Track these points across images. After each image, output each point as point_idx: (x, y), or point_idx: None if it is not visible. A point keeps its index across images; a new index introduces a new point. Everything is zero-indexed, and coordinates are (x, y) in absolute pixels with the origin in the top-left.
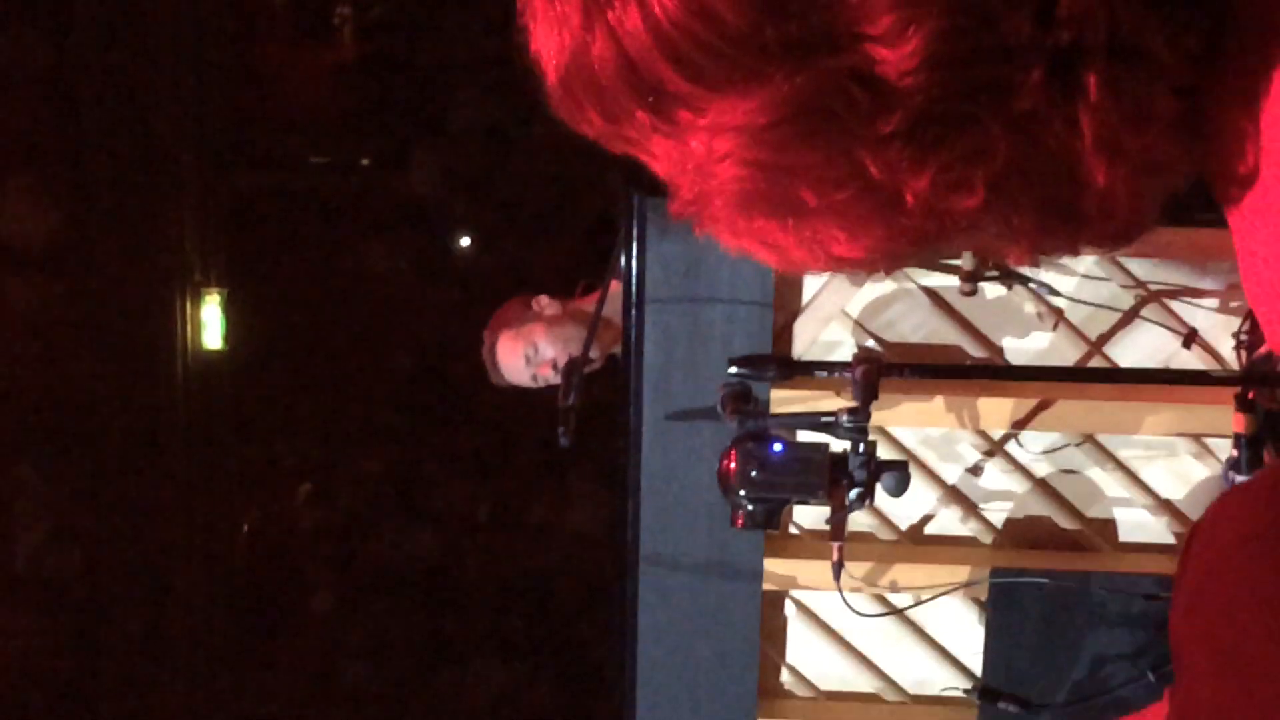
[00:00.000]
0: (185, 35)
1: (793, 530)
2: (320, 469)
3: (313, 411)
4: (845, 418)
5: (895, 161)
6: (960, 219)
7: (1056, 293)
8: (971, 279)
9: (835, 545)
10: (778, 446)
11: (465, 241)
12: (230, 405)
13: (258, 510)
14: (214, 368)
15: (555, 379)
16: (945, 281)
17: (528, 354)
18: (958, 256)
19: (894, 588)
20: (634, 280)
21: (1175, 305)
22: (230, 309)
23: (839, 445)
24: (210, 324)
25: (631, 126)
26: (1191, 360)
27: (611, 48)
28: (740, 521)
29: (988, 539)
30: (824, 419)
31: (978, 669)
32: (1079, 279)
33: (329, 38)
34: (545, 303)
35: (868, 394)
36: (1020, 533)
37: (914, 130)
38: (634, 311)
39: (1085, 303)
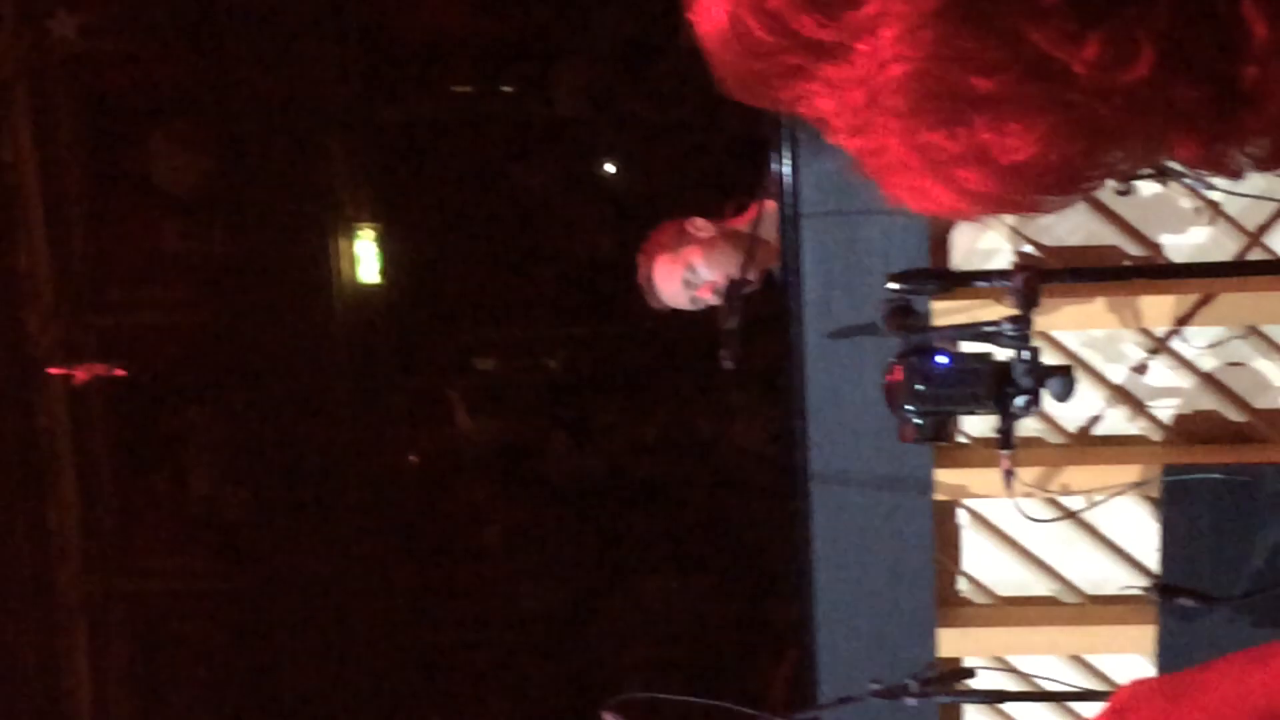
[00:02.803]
0: None
1: (961, 440)
2: (482, 397)
3: (471, 341)
4: (1007, 326)
5: (1061, 31)
6: (1129, 94)
7: (1212, 186)
8: (1127, 177)
9: (1004, 453)
10: (942, 359)
11: (610, 168)
12: (389, 338)
13: (424, 441)
14: (371, 301)
15: (714, 301)
16: None
17: (686, 277)
18: (1129, 173)
19: (1066, 491)
20: (790, 200)
21: None
22: (384, 243)
23: (1003, 354)
24: (365, 258)
25: (797, 49)
26: None
27: None
28: (909, 435)
29: (1157, 437)
30: (986, 329)
31: (1154, 567)
32: None
33: None
34: (700, 224)
35: (1029, 301)
36: (1189, 428)
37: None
38: (791, 231)
39: (1241, 194)
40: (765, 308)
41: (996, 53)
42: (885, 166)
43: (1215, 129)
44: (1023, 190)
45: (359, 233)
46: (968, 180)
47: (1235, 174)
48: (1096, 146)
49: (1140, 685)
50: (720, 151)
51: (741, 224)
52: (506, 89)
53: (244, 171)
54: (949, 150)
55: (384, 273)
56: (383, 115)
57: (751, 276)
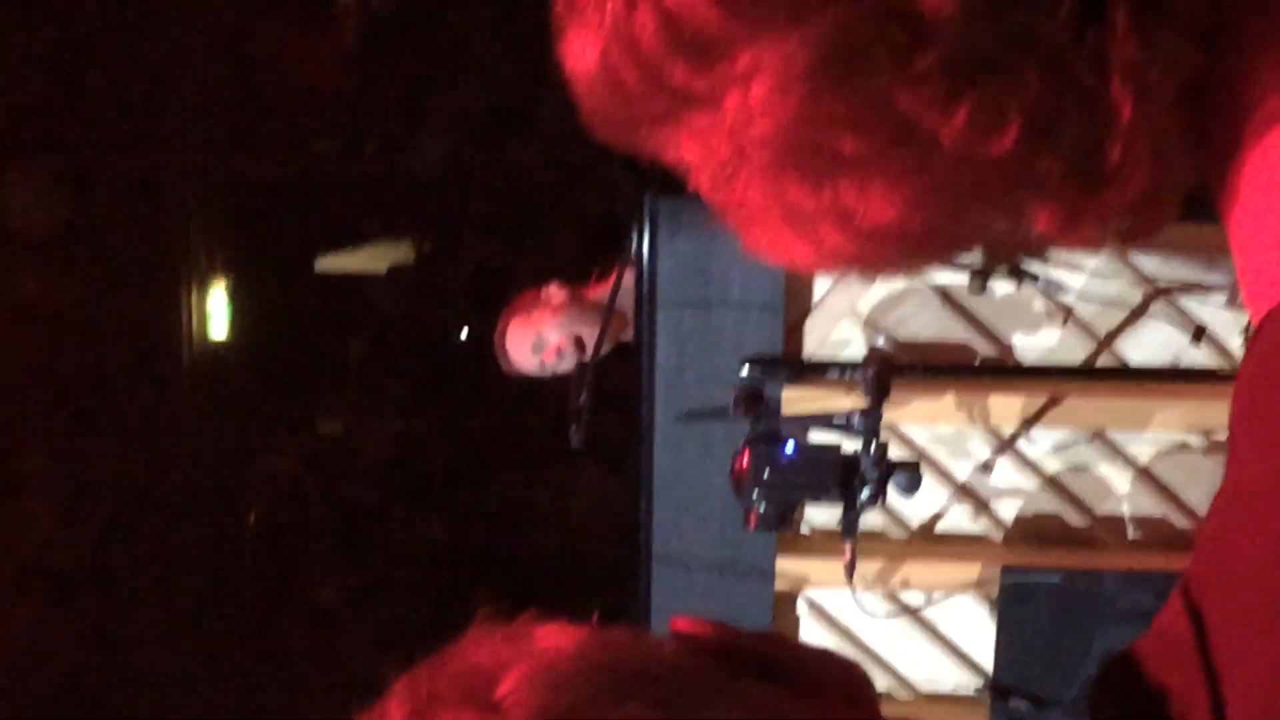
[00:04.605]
0: (187, 22)
1: (805, 530)
2: (326, 458)
3: (318, 401)
4: (857, 418)
5: (931, 100)
6: (994, 164)
7: (1065, 289)
8: (981, 276)
9: (847, 544)
10: (790, 447)
11: (464, 333)
12: (236, 395)
13: (263, 500)
14: (220, 358)
15: (561, 367)
16: (955, 279)
17: (534, 342)
18: (979, 243)
19: (906, 586)
20: (646, 278)
21: (1183, 301)
22: (235, 298)
23: (851, 444)
24: (216, 314)
25: (667, 95)
26: (1201, 356)
27: (654, 7)
28: (753, 522)
29: (999, 536)
30: (836, 420)
31: (989, 667)
32: (1087, 276)
33: (331, 23)
34: (554, 290)
35: (879, 394)
36: (1031, 530)
37: (949, 67)
38: (646, 309)
39: (1093, 299)
40: (617, 383)
41: (866, 115)
42: (746, 218)
43: (1077, 203)
44: (880, 251)
45: (212, 287)
46: (827, 238)
47: (1095, 246)
48: (958, 213)
49: None
50: (583, 221)
51: (595, 290)
52: (368, 148)
53: (98, 218)
54: (811, 207)
55: (233, 328)
56: (243, 170)
57: (602, 347)
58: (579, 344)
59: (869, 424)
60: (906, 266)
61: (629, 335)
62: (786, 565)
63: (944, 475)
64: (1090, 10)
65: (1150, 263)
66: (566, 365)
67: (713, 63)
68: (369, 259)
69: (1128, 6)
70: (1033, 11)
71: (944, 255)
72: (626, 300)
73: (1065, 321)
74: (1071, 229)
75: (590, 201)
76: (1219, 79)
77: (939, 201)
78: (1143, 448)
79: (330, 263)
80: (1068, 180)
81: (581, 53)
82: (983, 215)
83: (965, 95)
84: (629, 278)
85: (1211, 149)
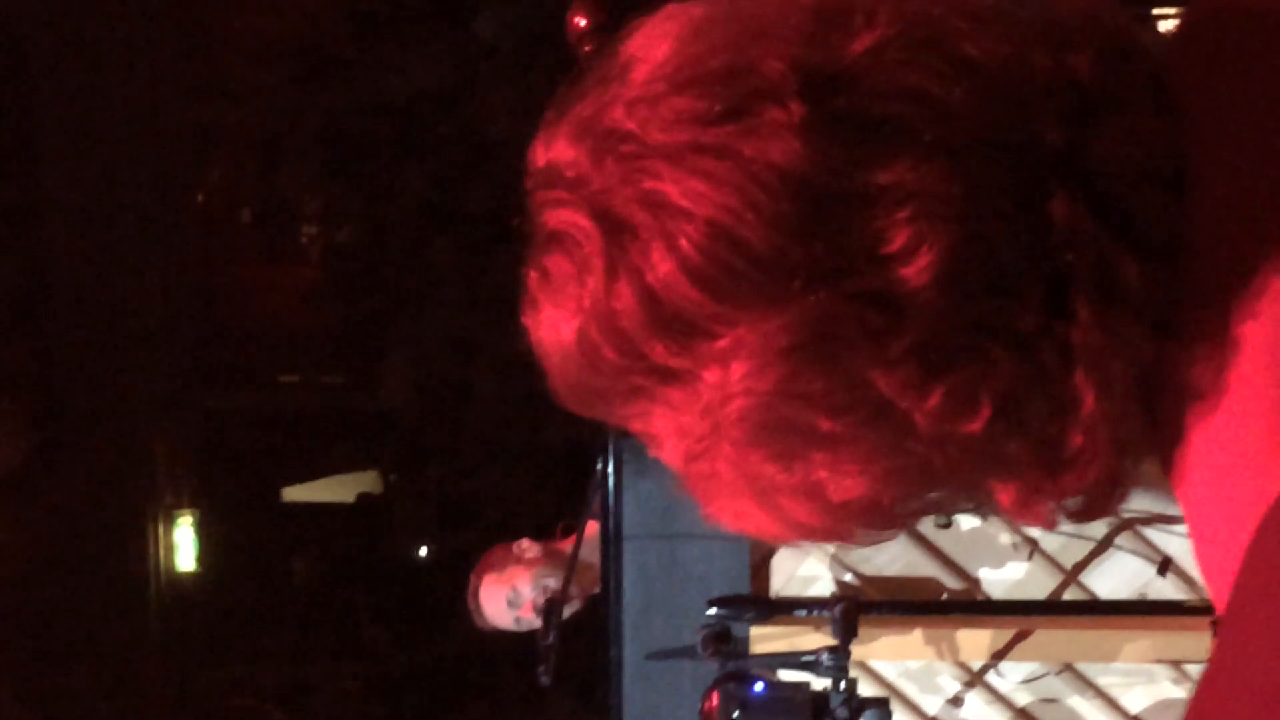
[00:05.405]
0: (154, 256)
1: None
2: (293, 692)
3: (286, 633)
4: (825, 656)
5: (907, 382)
6: (963, 444)
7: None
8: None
9: None
10: (759, 686)
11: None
12: (203, 627)
13: None
14: (187, 589)
15: (537, 622)
16: None
17: (510, 597)
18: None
19: None
20: (611, 520)
21: (1149, 533)
22: (202, 530)
23: (820, 683)
24: (183, 546)
25: (644, 371)
26: (1167, 586)
27: (634, 286)
28: None
29: None
30: (804, 658)
31: None
32: None
33: (297, 257)
34: (526, 545)
35: (847, 633)
36: None
37: (925, 351)
38: (612, 550)
39: (1060, 532)
40: (587, 623)
41: (843, 395)
42: (712, 490)
43: (1037, 483)
44: (845, 524)
45: (179, 519)
46: (794, 511)
47: (1050, 524)
48: (924, 489)
49: None
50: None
51: (569, 545)
52: (331, 380)
53: (63, 453)
54: (782, 482)
55: (200, 559)
56: (207, 403)
57: (575, 595)
58: (554, 600)
59: (838, 662)
60: (865, 538)
61: (598, 589)
62: None
63: (915, 710)
64: (1056, 301)
65: None
66: (539, 619)
67: (693, 341)
68: (335, 489)
69: (1092, 299)
70: (1004, 300)
71: (903, 526)
72: (594, 553)
73: (1031, 555)
74: (1028, 509)
75: (554, 431)
76: (1167, 360)
77: (908, 478)
78: (1112, 678)
79: (297, 493)
80: (1031, 463)
81: (557, 327)
82: (946, 491)
83: (939, 378)
84: (594, 529)
85: (1160, 426)
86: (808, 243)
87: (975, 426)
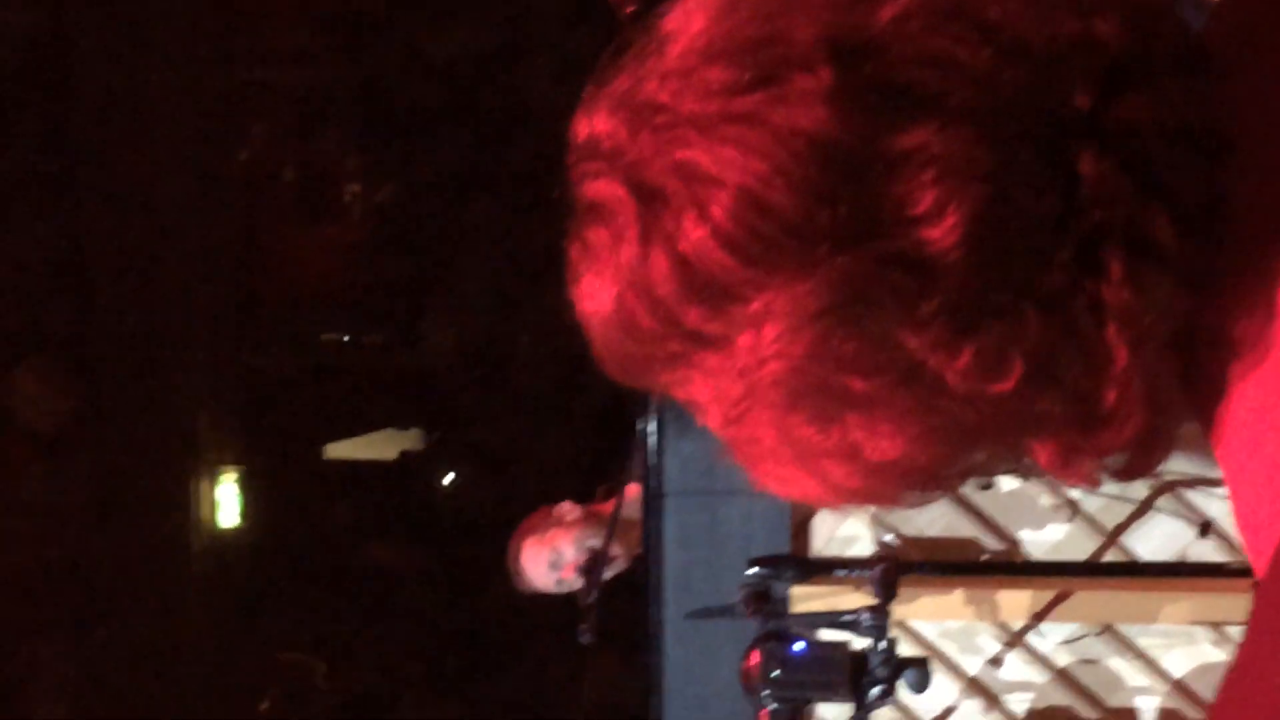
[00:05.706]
0: (196, 216)
1: None
2: (336, 648)
3: (328, 590)
4: (865, 615)
5: (936, 342)
6: (997, 403)
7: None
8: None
9: None
10: (799, 645)
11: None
12: (246, 583)
13: (275, 689)
14: (229, 546)
15: (578, 584)
16: None
17: (551, 560)
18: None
19: None
20: (654, 479)
21: (1190, 495)
22: (245, 487)
23: (860, 643)
24: (226, 503)
25: (680, 337)
26: (1208, 548)
27: (668, 253)
28: None
29: None
30: (844, 617)
31: None
32: None
33: (340, 217)
34: (567, 508)
35: (887, 592)
36: None
37: (954, 311)
38: (654, 509)
39: (1100, 494)
40: (627, 583)
41: (874, 356)
42: (755, 455)
43: (1074, 441)
44: (886, 486)
45: (221, 476)
46: (834, 474)
47: (1092, 483)
48: (962, 450)
49: None
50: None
51: (609, 508)
52: (373, 339)
53: (107, 412)
54: (820, 445)
55: (243, 517)
56: (249, 361)
57: (619, 555)
58: (596, 558)
59: (878, 621)
60: (909, 500)
61: (640, 549)
62: None
63: (954, 670)
64: (1087, 258)
65: None
66: (581, 580)
67: (726, 306)
68: (377, 446)
69: (1123, 255)
70: (1033, 258)
71: (947, 488)
72: (636, 512)
73: (1072, 517)
74: (1069, 467)
75: (597, 391)
76: (1207, 321)
77: (944, 438)
78: (1151, 640)
79: (339, 449)
80: (1066, 421)
81: (597, 296)
82: (985, 451)
83: (969, 338)
84: (635, 490)
85: (1200, 387)
86: (836, 207)
87: (1008, 385)
